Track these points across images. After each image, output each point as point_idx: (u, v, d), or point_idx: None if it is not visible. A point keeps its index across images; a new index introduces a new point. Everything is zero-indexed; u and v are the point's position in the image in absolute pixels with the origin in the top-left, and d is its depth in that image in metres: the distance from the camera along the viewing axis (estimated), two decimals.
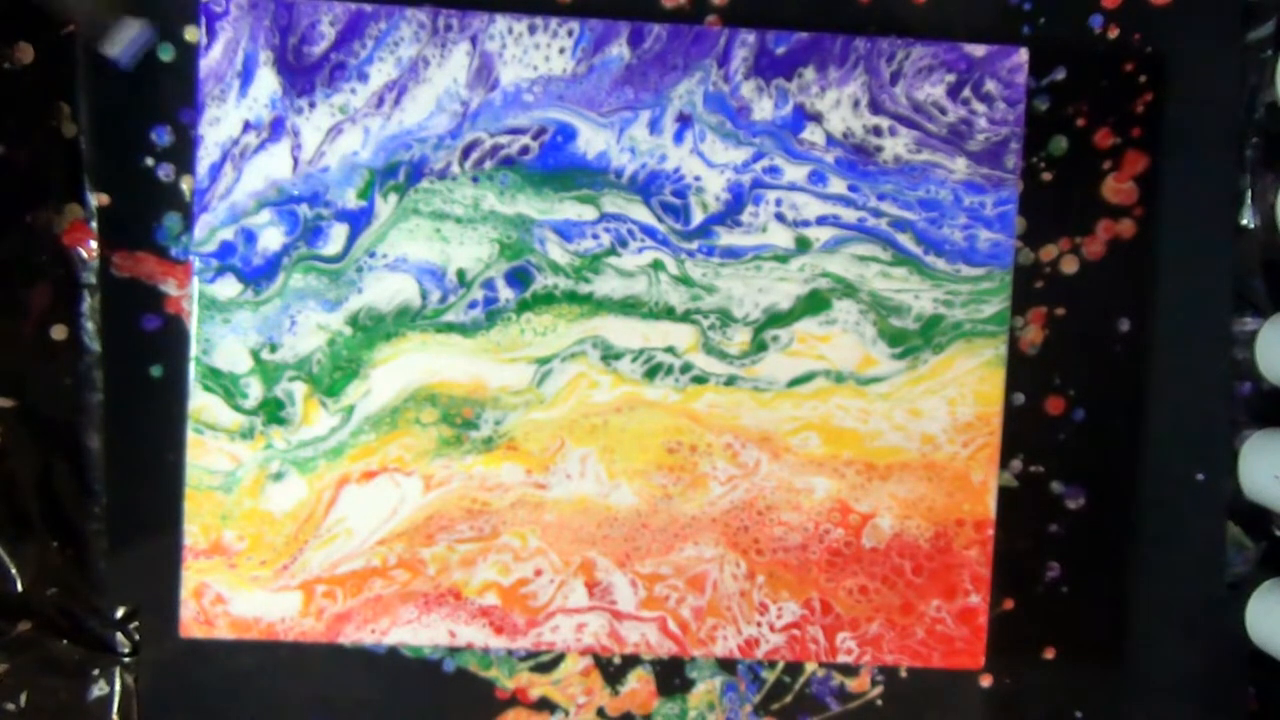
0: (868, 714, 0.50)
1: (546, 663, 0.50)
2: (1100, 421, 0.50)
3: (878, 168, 0.46)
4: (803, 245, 0.46)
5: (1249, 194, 0.49)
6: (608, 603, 0.46)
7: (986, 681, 0.51)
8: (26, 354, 0.47)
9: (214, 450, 0.45)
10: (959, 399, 0.46)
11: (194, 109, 0.45)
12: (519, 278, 0.46)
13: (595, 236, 0.46)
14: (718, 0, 0.47)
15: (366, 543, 0.46)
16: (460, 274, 0.45)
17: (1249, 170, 0.49)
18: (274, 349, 0.45)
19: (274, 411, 0.45)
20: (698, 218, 0.46)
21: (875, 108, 0.46)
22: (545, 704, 0.50)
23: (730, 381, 0.46)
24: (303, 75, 0.44)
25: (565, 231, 0.45)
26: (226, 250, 0.45)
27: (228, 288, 0.45)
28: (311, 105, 0.45)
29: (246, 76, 0.44)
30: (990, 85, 0.46)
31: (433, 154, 0.45)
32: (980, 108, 0.46)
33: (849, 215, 0.46)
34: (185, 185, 0.47)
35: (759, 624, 0.47)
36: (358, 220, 0.45)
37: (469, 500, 0.46)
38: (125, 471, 0.48)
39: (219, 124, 0.44)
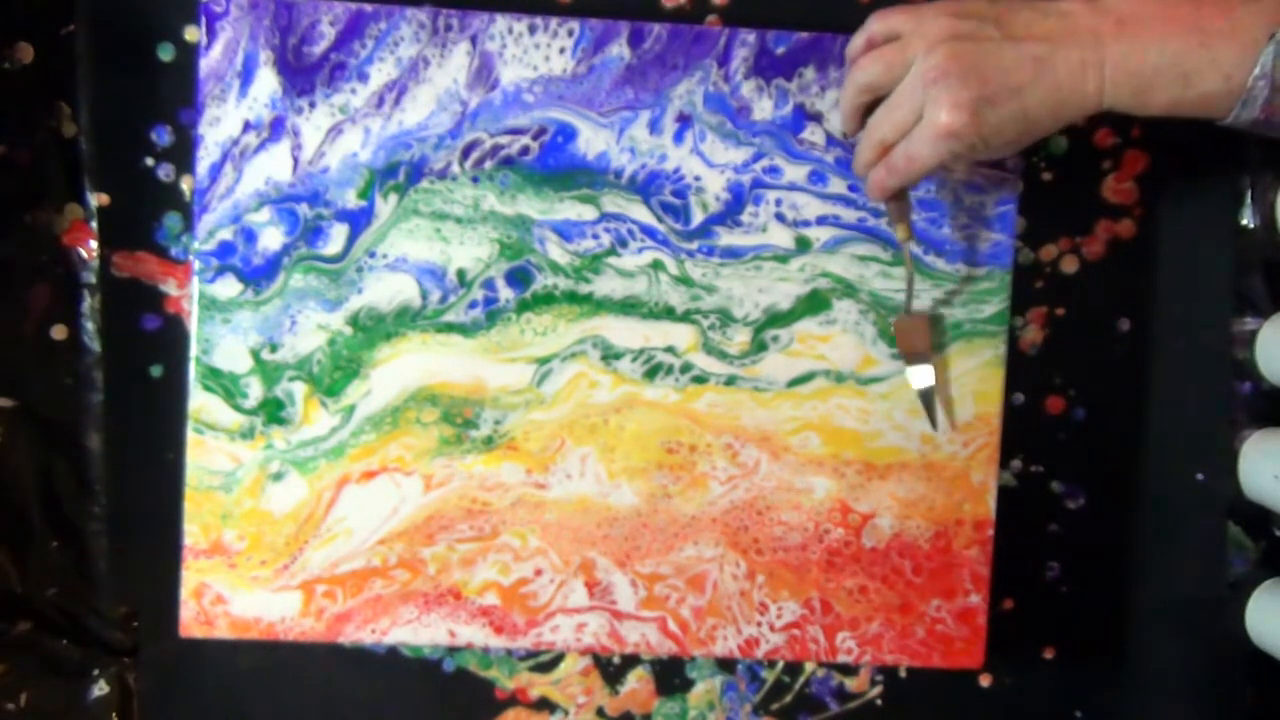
0: (868, 714, 0.50)
1: (546, 663, 0.50)
2: (1100, 421, 0.50)
3: None
4: (803, 245, 0.46)
5: (1249, 194, 0.49)
6: (608, 603, 0.46)
7: (986, 681, 0.51)
8: (26, 354, 0.47)
9: (214, 450, 0.45)
10: (959, 399, 0.46)
11: (194, 109, 0.45)
12: (519, 278, 0.46)
13: (595, 236, 0.46)
14: (718, 0, 0.47)
15: (366, 542, 0.46)
16: (460, 274, 0.45)
17: (1249, 170, 0.49)
18: (274, 349, 0.45)
19: (274, 411, 0.45)
20: (698, 218, 0.46)
21: None
22: (545, 704, 0.50)
23: (730, 381, 0.46)
24: (303, 75, 0.44)
25: (565, 231, 0.45)
26: (226, 250, 0.45)
27: (228, 288, 0.45)
28: (311, 105, 0.45)
29: (246, 76, 0.44)
30: None
31: (433, 154, 0.45)
32: None
33: (849, 215, 0.46)
34: (185, 185, 0.47)
35: (759, 624, 0.47)
36: (358, 220, 0.45)
37: (469, 500, 0.46)
38: (125, 471, 0.48)
39: (219, 124, 0.44)
